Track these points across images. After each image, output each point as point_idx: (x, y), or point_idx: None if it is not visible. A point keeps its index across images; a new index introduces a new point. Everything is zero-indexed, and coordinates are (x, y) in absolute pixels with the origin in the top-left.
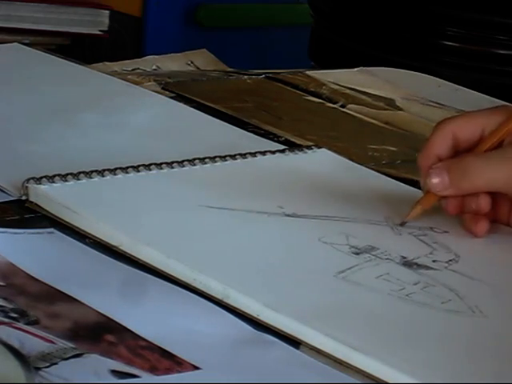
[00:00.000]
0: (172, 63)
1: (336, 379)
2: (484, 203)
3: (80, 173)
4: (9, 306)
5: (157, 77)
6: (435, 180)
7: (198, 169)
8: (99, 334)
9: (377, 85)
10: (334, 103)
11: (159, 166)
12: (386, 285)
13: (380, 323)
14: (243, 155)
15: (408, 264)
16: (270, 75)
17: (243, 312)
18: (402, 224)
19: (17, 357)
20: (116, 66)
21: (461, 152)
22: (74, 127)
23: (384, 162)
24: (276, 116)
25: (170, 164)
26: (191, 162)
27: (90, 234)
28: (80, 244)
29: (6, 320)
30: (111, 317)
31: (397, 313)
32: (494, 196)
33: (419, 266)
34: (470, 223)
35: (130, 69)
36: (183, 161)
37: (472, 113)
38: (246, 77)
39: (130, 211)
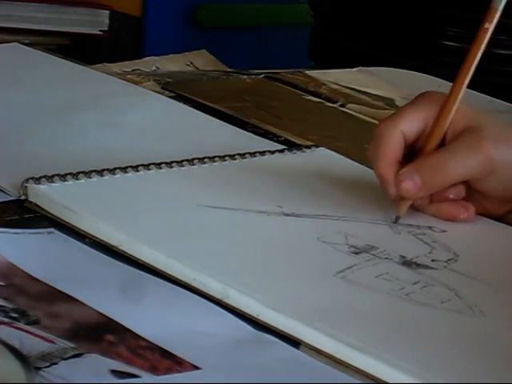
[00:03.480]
0: (171, 64)
1: (336, 379)
2: (462, 191)
3: (79, 173)
4: (9, 305)
5: (156, 76)
6: (408, 184)
7: (197, 168)
8: (99, 333)
9: (376, 84)
10: (334, 103)
11: (158, 165)
12: (385, 284)
13: (380, 323)
14: (242, 155)
15: (407, 263)
16: (270, 75)
17: (243, 312)
18: (396, 220)
19: (17, 357)
20: (115, 67)
21: (409, 148)
22: (74, 127)
23: None
24: (275, 116)
25: (169, 164)
26: (190, 161)
27: (89, 233)
28: (80, 244)
29: (7, 320)
30: (111, 317)
31: (396, 312)
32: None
33: (418, 265)
34: (457, 211)
35: (129, 70)
36: (182, 160)
37: (411, 108)
38: (245, 77)
39: (130, 211)
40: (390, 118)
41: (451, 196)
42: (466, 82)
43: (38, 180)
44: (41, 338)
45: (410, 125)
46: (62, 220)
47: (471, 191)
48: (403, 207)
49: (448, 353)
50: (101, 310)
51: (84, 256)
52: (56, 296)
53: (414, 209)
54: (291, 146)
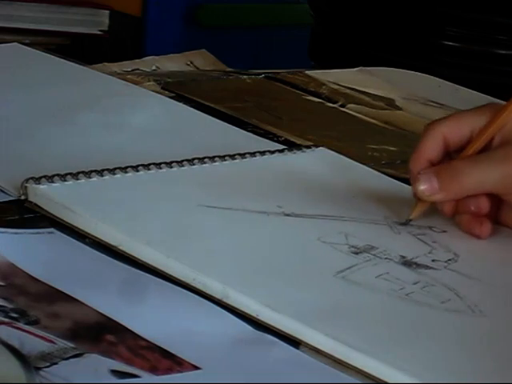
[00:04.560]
0: (171, 64)
1: (336, 379)
2: (483, 204)
3: (79, 173)
4: (9, 305)
5: (156, 77)
6: (423, 186)
7: (197, 169)
8: (99, 333)
9: (376, 85)
10: (334, 103)
11: (158, 165)
12: (385, 284)
13: (380, 323)
14: (242, 155)
15: (407, 263)
16: (270, 75)
17: (243, 312)
18: (406, 222)
19: (17, 357)
20: (115, 66)
21: (451, 154)
22: (74, 127)
23: (383, 161)
24: (276, 116)
25: (169, 164)
26: (190, 161)
27: (89, 233)
28: (80, 244)
29: (7, 320)
30: (111, 317)
31: (396, 312)
32: (493, 197)
33: (418, 265)
34: (472, 225)
35: (129, 69)
36: (182, 161)
37: (461, 114)
38: (245, 77)
39: (130, 211)
40: (440, 118)
41: (472, 208)
42: None
43: (38, 180)
44: (41, 337)
45: (454, 129)
46: (61, 220)
47: (502, 205)
48: (417, 210)
49: (448, 353)
50: (101, 310)
51: (84, 256)
52: (56, 296)
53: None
54: (291, 145)
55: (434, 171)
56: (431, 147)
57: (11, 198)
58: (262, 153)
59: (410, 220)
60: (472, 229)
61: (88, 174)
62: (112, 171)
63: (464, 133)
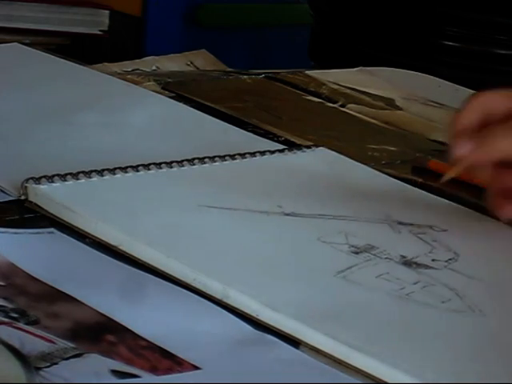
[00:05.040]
0: (171, 64)
1: (336, 379)
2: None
3: (79, 173)
4: (9, 305)
5: (156, 77)
6: (460, 148)
7: (198, 168)
8: (99, 333)
9: (376, 85)
10: (334, 103)
11: (158, 165)
12: (385, 284)
13: (380, 323)
14: (242, 155)
15: (407, 263)
16: (270, 75)
17: (243, 312)
18: (442, 180)
19: (17, 357)
20: (115, 66)
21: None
22: (74, 127)
23: (384, 161)
24: (276, 116)
25: (169, 164)
26: (190, 161)
27: (89, 233)
28: (80, 244)
29: (7, 320)
30: (111, 317)
31: (396, 312)
32: None
33: (419, 265)
34: (501, 203)
35: (129, 69)
36: (182, 160)
37: (507, 90)
38: (245, 77)
39: (130, 211)
40: (486, 91)
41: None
42: None
43: (38, 180)
44: (41, 337)
45: (497, 100)
46: (62, 220)
47: None
48: (452, 172)
49: (448, 353)
50: (101, 310)
51: (84, 256)
52: (56, 296)
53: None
54: (291, 145)
55: (469, 135)
56: (469, 115)
57: (11, 198)
58: (262, 153)
59: (443, 180)
60: (499, 206)
61: (88, 173)
62: (112, 171)
63: (507, 106)
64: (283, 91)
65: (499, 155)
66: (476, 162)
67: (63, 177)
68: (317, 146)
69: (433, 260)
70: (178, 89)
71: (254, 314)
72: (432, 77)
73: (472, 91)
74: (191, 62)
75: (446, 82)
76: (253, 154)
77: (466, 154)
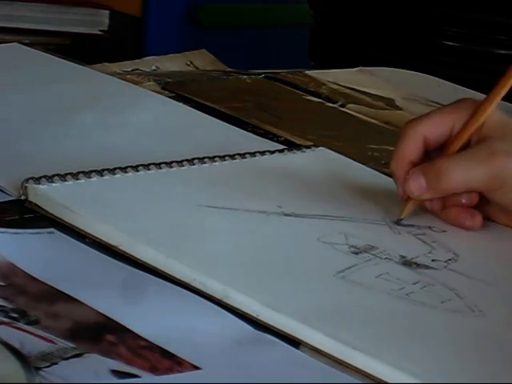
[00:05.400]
0: (171, 64)
1: (336, 379)
2: (474, 196)
3: (79, 173)
4: (9, 305)
5: (156, 77)
6: (412, 185)
7: (197, 168)
8: (99, 333)
9: (376, 85)
10: (334, 103)
11: (158, 165)
12: (385, 284)
13: (380, 323)
14: (242, 155)
15: (407, 263)
16: (270, 75)
17: (243, 312)
18: (398, 222)
19: (17, 357)
20: (115, 66)
21: (431, 152)
22: (74, 127)
23: (383, 161)
24: (275, 116)
25: (169, 164)
26: (190, 161)
27: (89, 233)
28: (80, 244)
29: (7, 320)
30: (111, 317)
31: (396, 312)
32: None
33: (418, 265)
34: (463, 217)
35: (129, 69)
36: (182, 160)
37: (439, 112)
38: (245, 77)
39: (130, 211)
40: (416, 118)
41: (463, 201)
42: (503, 92)
43: (37, 180)
44: (41, 337)
45: (434, 128)
46: (62, 220)
47: (483, 201)
48: (407, 209)
49: (448, 353)
50: (101, 310)
51: (84, 256)
52: (56, 296)
53: (428, 211)
54: (291, 146)
55: (422, 170)
56: (412, 148)
57: (11, 198)
58: (262, 153)
59: (402, 219)
60: (463, 221)
61: (88, 173)
62: (112, 171)
63: (444, 131)
64: (283, 91)
65: (453, 191)
66: (430, 199)
67: (63, 177)
68: (317, 146)
69: (433, 260)
70: (178, 89)
71: (253, 314)
72: (432, 77)
73: (472, 91)
74: (191, 62)
75: (446, 82)
76: (253, 154)
77: (421, 190)
